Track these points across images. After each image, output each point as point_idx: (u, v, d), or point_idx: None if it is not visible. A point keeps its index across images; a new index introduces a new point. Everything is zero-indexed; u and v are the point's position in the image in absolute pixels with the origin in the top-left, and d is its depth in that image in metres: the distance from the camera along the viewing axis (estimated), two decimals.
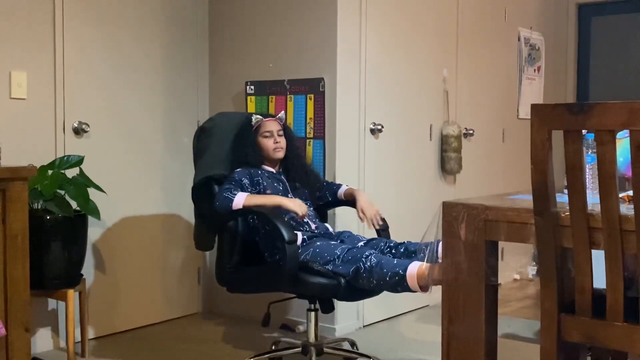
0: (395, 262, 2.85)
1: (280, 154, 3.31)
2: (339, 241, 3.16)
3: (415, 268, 2.77)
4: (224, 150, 3.34)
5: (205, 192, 3.25)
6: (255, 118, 3.32)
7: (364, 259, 2.87)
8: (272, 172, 3.32)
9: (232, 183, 3.13)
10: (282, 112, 3.50)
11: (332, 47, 3.74)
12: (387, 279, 2.80)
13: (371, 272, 2.84)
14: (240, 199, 3.05)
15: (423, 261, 2.75)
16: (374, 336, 3.81)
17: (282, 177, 3.32)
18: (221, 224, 3.15)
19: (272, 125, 3.31)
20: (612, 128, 1.68)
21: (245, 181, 3.17)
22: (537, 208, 1.83)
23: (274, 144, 3.29)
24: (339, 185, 3.46)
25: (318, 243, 3.04)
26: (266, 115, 3.42)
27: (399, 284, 2.79)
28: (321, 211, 3.47)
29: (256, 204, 3.05)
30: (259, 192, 3.18)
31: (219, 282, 3.18)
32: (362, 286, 2.89)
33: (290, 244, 2.88)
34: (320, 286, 2.93)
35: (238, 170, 3.21)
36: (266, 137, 3.29)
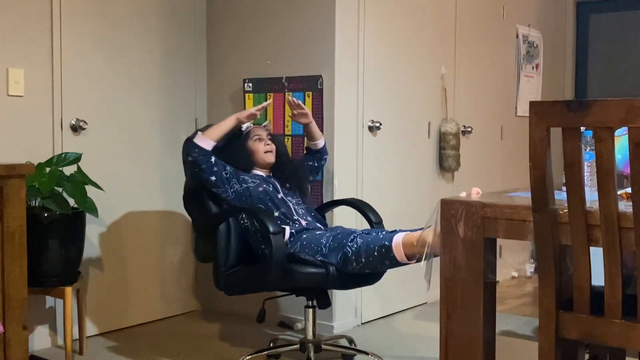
0: (381, 236, 2.88)
1: (271, 158, 3.35)
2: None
3: (400, 237, 2.80)
4: None
5: (196, 200, 3.27)
6: (245, 125, 3.37)
7: (349, 243, 2.90)
8: (262, 175, 3.33)
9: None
10: (267, 120, 3.54)
11: (330, 45, 3.74)
12: (375, 253, 2.82)
13: (359, 252, 2.86)
14: (199, 135, 3.16)
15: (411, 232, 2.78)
16: (372, 333, 3.81)
17: (272, 179, 3.34)
18: (213, 226, 3.15)
19: (261, 131, 3.38)
20: (610, 125, 1.68)
21: (229, 168, 3.20)
22: (536, 205, 1.83)
23: (265, 146, 3.34)
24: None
25: (305, 235, 3.07)
26: (253, 124, 3.46)
27: (386, 257, 2.80)
28: (321, 213, 3.49)
29: (215, 131, 3.20)
30: (244, 190, 3.20)
31: (217, 286, 3.17)
32: (352, 271, 2.91)
33: (275, 235, 2.90)
34: (309, 275, 2.93)
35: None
36: (256, 140, 3.34)
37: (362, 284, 3.15)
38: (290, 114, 3.45)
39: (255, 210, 3.09)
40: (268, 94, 3.93)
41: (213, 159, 3.15)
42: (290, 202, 3.27)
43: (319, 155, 3.51)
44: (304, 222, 3.20)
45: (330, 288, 3.18)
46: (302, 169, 3.48)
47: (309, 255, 2.97)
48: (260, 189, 3.21)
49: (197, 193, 3.26)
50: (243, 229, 3.19)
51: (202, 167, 3.14)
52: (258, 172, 3.35)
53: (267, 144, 3.34)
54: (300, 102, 3.39)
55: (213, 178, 3.16)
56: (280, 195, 3.26)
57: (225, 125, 3.25)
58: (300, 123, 3.46)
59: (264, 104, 3.45)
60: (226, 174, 3.19)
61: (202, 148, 3.14)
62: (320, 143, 3.49)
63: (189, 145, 3.16)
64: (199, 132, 3.22)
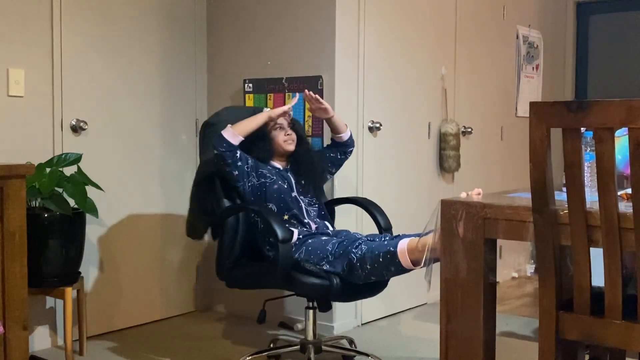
0: (385, 242, 2.87)
1: (291, 147, 3.30)
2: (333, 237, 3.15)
3: (405, 243, 2.78)
4: None
5: (208, 188, 3.26)
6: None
7: (354, 250, 2.88)
8: (279, 168, 3.32)
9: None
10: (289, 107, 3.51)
11: (330, 45, 3.74)
12: (380, 259, 2.80)
13: (363, 258, 2.84)
14: (229, 129, 3.11)
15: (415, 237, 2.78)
16: (373, 334, 3.81)
17: (289, 174, 3.31)
18: (223, 219, 3.16)
19: (282, 120, 3.32)
20: (610, 126, 1.68)
21: (250, 162, 3.17)
22: (536, 206, 1.83)
23: (286, 136, 3.29)
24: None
25: (310, 241, 3.04)
26: None
27: (392, 263, 2.79)
28: (328, 208, 3.46)
29: (246, 127, 3.14)
30: (260, 185, 3.18)
31: (218, 276, 3.18)
32: (358, 278, 2.88)
33: (283, 243, 2.88)
34: (313, 286, 2.92)
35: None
36: (277, 129, 3.30)
37: (366, 295, 3.11)
38: (308, 109, 3.42)
39: (266, 213, 3.03)
40: (268, 94, 3.93)
41: (239, 153, 3.13)
42: (303, 201, 3.25)
43: (344, 148, 3.46)
44: (313, 226, 3.19)
45: (334, 300, 3.17)
46: (322, 161, 3.43)
47: (314, 262, 2.95)
48: (276, 186, 3.19)
49: (210, 184, 3.24)
50: (252, 223, 3.18)
51: (228, 162, 3.12)
52: (276, 163, 3.31)
53: (288, 134, 3.30)
54: (318, 96, 3.32)
55: (236, 172, 3.14)
56: (293, 194, 3.24)
57: (256, 122, 3.19)
58: (321, 118, 3.42)
59: (293, 101, 3.38)
60: (247, 167, 3.17)
61: (230, 143, 3.11)
62: (345, 135, 3.43)
63: (219, 139, 3.11)
64: (229, 125, 3.15)
